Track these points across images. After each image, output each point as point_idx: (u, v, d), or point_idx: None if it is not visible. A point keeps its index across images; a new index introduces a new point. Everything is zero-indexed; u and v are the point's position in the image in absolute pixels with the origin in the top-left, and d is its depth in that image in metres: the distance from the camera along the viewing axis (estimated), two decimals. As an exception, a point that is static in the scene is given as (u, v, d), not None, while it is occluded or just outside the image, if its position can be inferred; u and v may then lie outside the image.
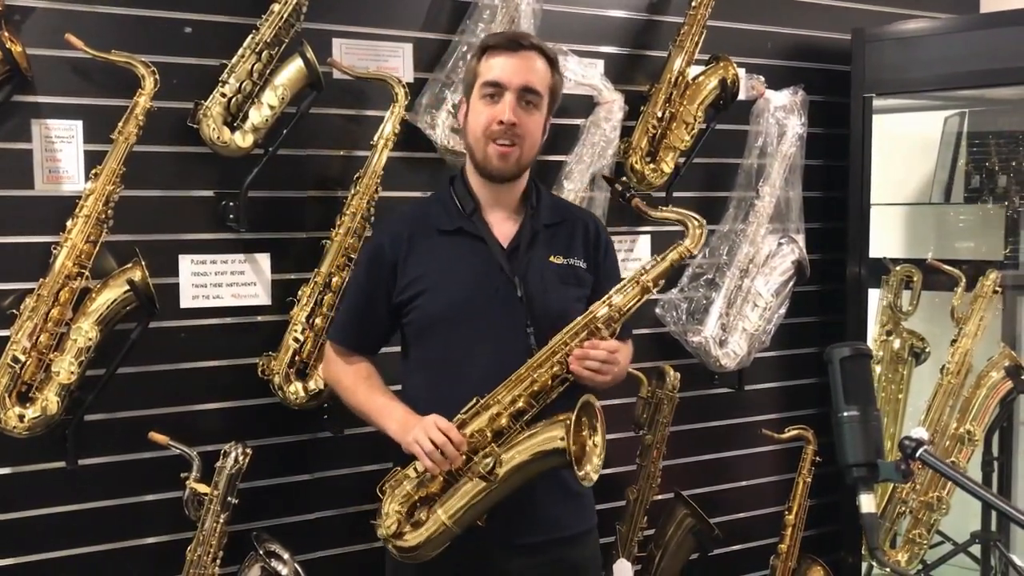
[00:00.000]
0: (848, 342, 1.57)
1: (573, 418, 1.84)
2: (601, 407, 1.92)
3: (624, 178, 2.14)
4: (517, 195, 2.11)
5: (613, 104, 2.84)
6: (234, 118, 2.38)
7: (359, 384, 2.12)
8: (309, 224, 2.58)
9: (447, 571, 1.98)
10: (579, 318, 1.98)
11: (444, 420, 1.92)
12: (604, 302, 1.98)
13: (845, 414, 1.51)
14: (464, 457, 1.91)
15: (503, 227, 2.09)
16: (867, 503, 1.48)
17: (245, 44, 2.37)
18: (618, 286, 2.00)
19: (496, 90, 2.00)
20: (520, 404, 1.93)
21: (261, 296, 2.54)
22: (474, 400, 1.95)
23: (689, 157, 3.00)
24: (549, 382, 1.94)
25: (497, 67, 2.00)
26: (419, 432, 1.90)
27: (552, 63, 2.07)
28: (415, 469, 1.95)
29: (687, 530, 2.94)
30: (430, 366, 2.07)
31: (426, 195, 2.41)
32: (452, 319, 2.02)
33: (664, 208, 2.10)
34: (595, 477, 1.88)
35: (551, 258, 2.09)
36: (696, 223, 2.01)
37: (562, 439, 1.84)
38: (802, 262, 3.13)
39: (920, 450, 1.45)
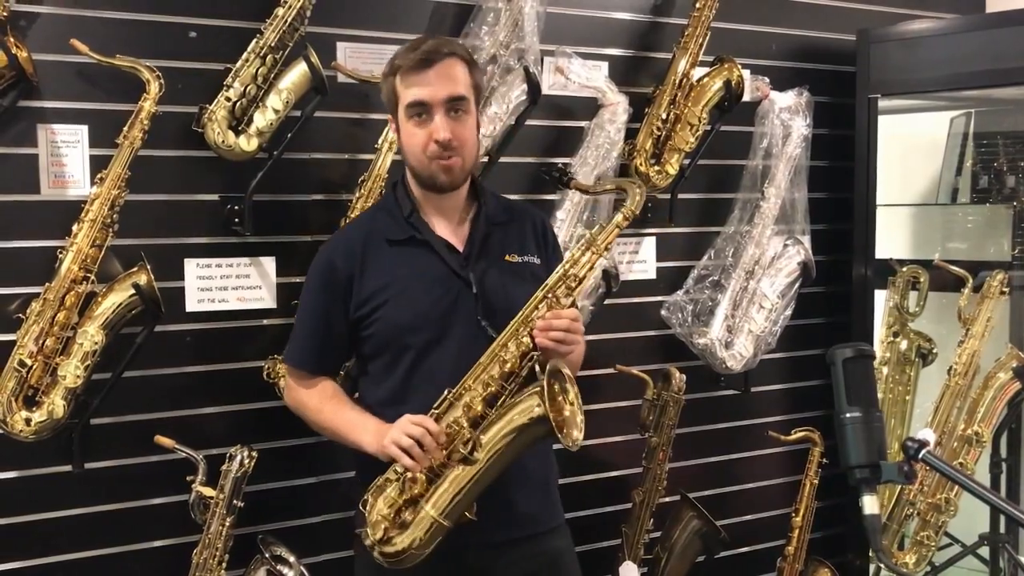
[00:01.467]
0: (851, 343, 1.56)
1: (545, 383, 1.82)
2: (571, 374, 1.91)
3: (559, 164, 2.17)
4: (462, 198, 2.11)
5: (617, 106, 2.84)
6: (239, 122, 2.38)
7: (324, 404, 2.09)
8: (314, 227, 2.58)
9: (423, 572, 1.95)
10: (537, 291, 1.96)
11: (417, 415, 1.90)
12: (560, 273, 1.97)
13: (848, 415, 1.51)
14: (444, 451, 1.88)
15: (454, 232, 2.08)
16: (870, 504, 1.48)
17: (249, 48, 2.38)
18: (570, 255, 1.99)
19: (423, 109, 1.98)
20: (492, 388, 1.91)
21: (266, 299, 2.55)
22: (445, 392, 1.93)
23: (694, 159, 3.00)
24: (517, 361, 1.92)
25: (417, 88, 1.97)
26: (395, 432, 1.88)
27: (468, 62, 2.05)
28: (395, 471, 1.93)
29: (693, 532, 2.93)
30: (394, 377, 2.04)
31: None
32: (416, 328, 2.01)
33: (599, 182, 2.14)
34: (580, 438, 1.86)
35: (506, 257, 2.09)
36: (635, 186, 2.08)
37: (539, 406, 1.83)
38: (808, 263, 3.12)
39: (923, 451, 1.45)
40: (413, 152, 2.02)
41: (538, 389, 1.84)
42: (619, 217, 2.01)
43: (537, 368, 1.90)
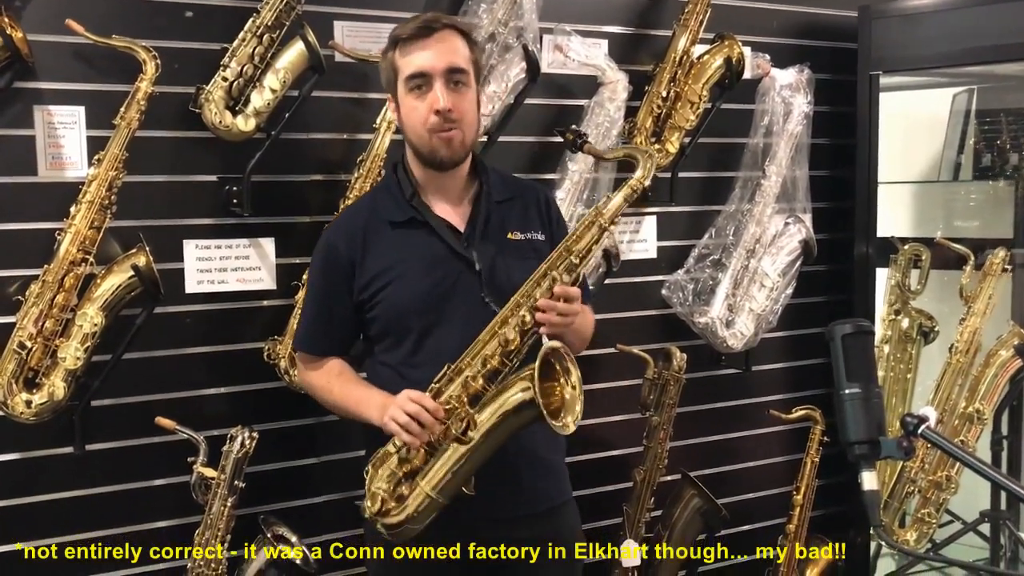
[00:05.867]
0: (850, 319, 1.55)
1: (537, 367, 1.79)
2: (568, 350, 1.87)
3: (573, 126, 2.12)
4: (463, 177, 2.09)
5: (617, 84, 2.82)
6: (236, 102, 2.37)
7: (332, 382, 2.09)
8: (313, 208, 2.58)
9: (432, 544, 1.97)
10: (540, 266, 1.94)
11: (416, 391, 1.90)
12: (562, 247, 1.94)
13: (847, 391, 1.50)
14: (442, 426, 1.88)
15: (455, 211, 2.07)
16: (869, 480, 1.48)
17: (246, 27, 2.37)
18: (574, 230, 1.96)
19: (423, 80, 1.96)
20: (493, 364, 1.89)
21: (266, 280, 2.54)
22: (445, 367, 1.93)
23: (694, 137, 2.99)
24: (518, 338, 1.90)
25: (417, 57, 1.96)
26: (393, 409, 1.88)
27: (467, 36, 2.03)
28: (394, 444, 1.93)
29: (694, 511, 2.94)
30: (398, 358, 2.04)
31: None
32: (419, 310, 2.00)
33: (613, 148, 2.05)
34: (573, 426, 1.83)
35: (509, 235, 2.07)
36: (646, 154, 1.99)
37: (526, 390, 1.80)
38: (809, 242, 3.11)
39: (922, 427, 1.44)
40: (413, 127, 2.00)
41: (528, 373, 1.81)
42: (626, 189, 1.94)
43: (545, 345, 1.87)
